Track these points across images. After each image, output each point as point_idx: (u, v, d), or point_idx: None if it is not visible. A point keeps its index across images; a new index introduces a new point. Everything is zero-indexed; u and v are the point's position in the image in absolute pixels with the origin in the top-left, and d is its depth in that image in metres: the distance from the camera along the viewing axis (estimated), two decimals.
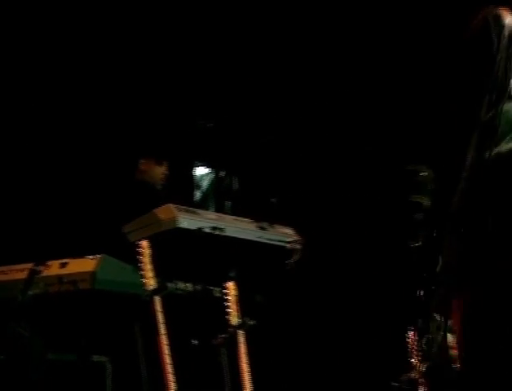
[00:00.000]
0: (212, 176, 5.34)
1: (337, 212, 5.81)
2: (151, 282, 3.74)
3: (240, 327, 4.02)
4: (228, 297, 4.02)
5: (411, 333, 4.31)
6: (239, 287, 4.04)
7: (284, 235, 4.95)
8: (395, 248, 4.90)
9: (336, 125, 5.92)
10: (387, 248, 5.35)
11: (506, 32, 2.72)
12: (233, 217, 4.88)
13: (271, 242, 4.83)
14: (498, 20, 2.75)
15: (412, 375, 4.19)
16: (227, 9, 5.96)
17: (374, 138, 5.83)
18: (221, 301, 4.04)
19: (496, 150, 2.69)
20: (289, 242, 4.95)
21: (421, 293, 4.19)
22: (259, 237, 4.77)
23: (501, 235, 2.70)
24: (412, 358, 4.23)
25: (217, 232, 4.56)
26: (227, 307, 4.02)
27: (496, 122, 2.71)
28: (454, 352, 4.34)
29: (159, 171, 5.18)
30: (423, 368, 4.19)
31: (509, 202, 2.70)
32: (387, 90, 5.85)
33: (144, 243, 3.80)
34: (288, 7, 5.94)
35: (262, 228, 4.83)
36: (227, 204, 5.17)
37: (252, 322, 4.10)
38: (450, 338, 4.34)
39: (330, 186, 5.85)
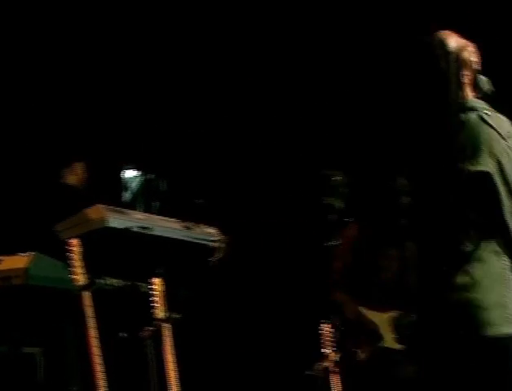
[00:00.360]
0: (141, 178, 5.35)
1: (259, 213, 5.87)
2: (80, 278, 3.78)
3: (165, 320, 4.05)
4: (155, 292, 4.06)
5: (325, 325, 4.45)
6: (165, 282, 4.09)
7: (208, 234, 4.99)
8: (310, 247, 5.11)
9: (259, 131, 5.98)
10: (303, 247, 5.47)
11: (452, 58, 2.84)
12: (160, 217, 4.92)
13: (196, 240, 4.88)
14: (443, 46, 2.86)
15: (326, 364, 4.38)
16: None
17: (292, 145, 5.90)
18: (148, 296, 4.06)
19: (465, 167, 2.77)
20: (212, 241, 5.00)
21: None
22: (185, 236, 4.82)
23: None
24: (326, 348, 4.41)
25: (144, 231, 4.59)
26: (154, 302, 4.06)
27: (456, 135, 2.80)
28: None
29: (80, 173, 5.27)
30: (336, 358, 4.38)
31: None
32: (308, 99, 5.95)
33: (75, 241, 3.86)
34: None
35: (187, 228, 4.86)
36: (155, 204, 5.20)
37: (177, 316, 4.15)
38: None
39: (252, 190, 5.91)
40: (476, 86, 2.91)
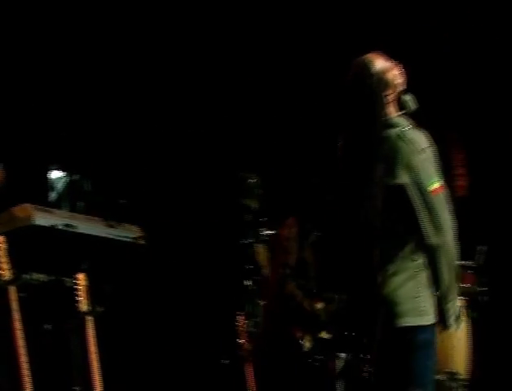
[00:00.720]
0: (66, 179, 5.35)
1: (179, 212, 5.87)
2: (6, 273, 3.82)
3: (89, 313, 4.11)
4: (79, 287, 4.11)
5: (240, 317, 4.54)
6: (89, 277, 4.14)
7: (130, 231, 5.16)
8: (227, 244, 5.16)
9: (179, 135, 5.96)
10: (221, 244, 5.51)
11: (376, 79, 3.01)
12: (85, 215, 5.06)
13: (119, 238, 5.05)
14: (369, 68, 3.03)
15: (240, 353, 4.46)
16: None
17: (211, 149, 5.93)
18: (72, 290, 4.11)
19: (385, 180, 2.94)
20: (134, 238, 5.17)
21: (249, 283, 4.66)
22: (108, 233, 4.98)
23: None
24: (241, 338, 4.50)
25: (69, 229, 4.74)
26: (78, 295, 4.11)
27: (380, 149, 2.96)
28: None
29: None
30: (250, 347, 4.47)
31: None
32: (225, 105, 5.96)
33: (0, 238, 3.89)
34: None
35: (110, 226, 5.03)
36: (80, 204, 5.29)
37: (100, 309, 4.21)
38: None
39: (173, 191, 5.90)
40: (401, 104, 3.07)
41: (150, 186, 5.89)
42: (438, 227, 2.94)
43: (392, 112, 3.02)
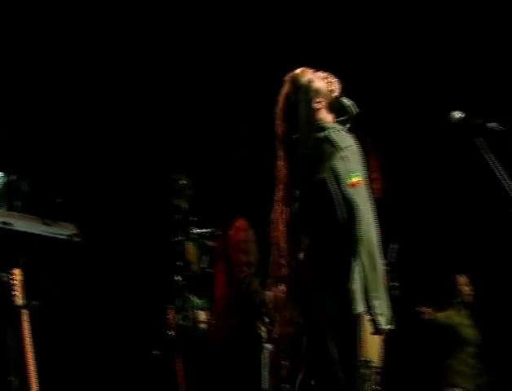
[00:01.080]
0: (3, 179, 5.36)
1: (113, 212, 5.91)
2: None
3: (24, 307, 4.09)
4: (15, 281, 4.11)
5: (170, 311, 4.69)
6: (24, 272, 4.12)
7: (65, 229, 5.25)
8: (159, 242, 5.21)
9: (114, 138, 6.01)
10: (153, 242, 5.57)
11: (303, 90, 3.25)
12: (22, 214, 5.13)
13: (54, 235, 5.15)
14: (297, 80, 3.28)
15: (170, 345, 4.61)
16: None
17: (144, 151, 6.01)
18: (8, 285, 4.09)
19: (313, 178, 3.08)
20: (69, 235, 5.26)
21: (179, 278, 4.78)
22: (44, 231, 5.08)
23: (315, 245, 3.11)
24: (171, 330, 4.64)
25: (6, 226, 4.84)
26: (14, 290, 4.09)
27: (308, 151, 3.14)
28: (203, 326, 4.98)
29: None
30: (178, 339, 4.60)
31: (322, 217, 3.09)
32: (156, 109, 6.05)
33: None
34: None
35: (46, 224, 5.12)
36: (17, 203, 5.31)
37: (35, 303, 4.21)
38: (201, 315, 4.99)
39: (109, 192, 5.94)
40: (343, 109, 3.31)
41: (85, 187, 5.90)
42: (356, 219, 3.04)
43: (325, 116, 3.25)
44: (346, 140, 3.17)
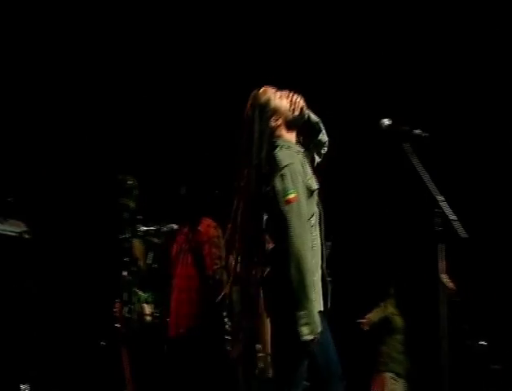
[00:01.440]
0: None
1: (63, 209, 6.00)
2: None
3: None
4: None
5: (117, 304, 4.81)
6: None
7: (15, 226, 5.33)
8: (107, 239, 5.24)
9: (65, 140, 6.08)
10: (101, 239, 5.63)
11: (261, 108, 3.33)
12: None
13: (4, 232, 5.25)
14: (256, 99, 3.37)
15: (117, 337, 4.72)
16: None
17: (94, 153, 6.10)
18: None
19: (264, 188, 3.20)
20: (19, 232, 5.33)
21: (126, 273, 4.85)
22: None
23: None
24: (118, 323, 4.76)
25: None
26: None
27: (264, 164, 3.24)
28: (148, 318, 5.10)
29: None
30: (124, 331, 4.70)
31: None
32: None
33: None
34: None
35: None
36: None
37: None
38: (146, 308, 5.12)
39: (58, 190, 6.02)
40: (311, 127, 3.42)
41: (36, 185, 5.94)
42: (288, 235, 3.13)
43: (283, 134, 3.36)
44: (287, 158, 3.27)
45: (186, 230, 5.12)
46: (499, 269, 6.52)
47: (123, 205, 4.92)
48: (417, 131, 3.44)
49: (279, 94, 3.40)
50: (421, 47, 6.02)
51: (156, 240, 5.09)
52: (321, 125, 3.49)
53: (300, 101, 3.41)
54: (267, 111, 3.34)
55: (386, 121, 3.50)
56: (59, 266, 5.87)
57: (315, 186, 3.33)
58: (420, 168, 3.35)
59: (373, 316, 5.98)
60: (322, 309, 3.27)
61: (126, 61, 6.13)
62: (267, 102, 3.36)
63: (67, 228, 5.94)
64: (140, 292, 5.02)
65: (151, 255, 5.11)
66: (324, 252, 3.38)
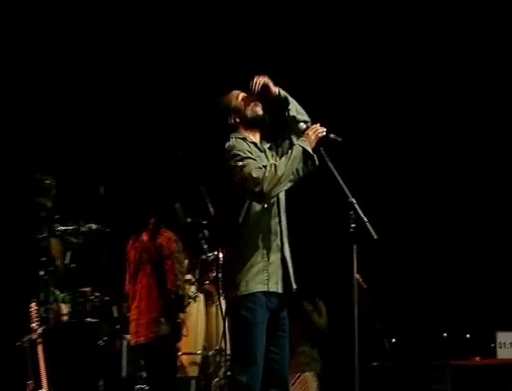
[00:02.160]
0: None
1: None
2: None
3: None
4: None
5: (33, 303, 4.67)
6: None
7: None
8: (24, 238, 5.21)
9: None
10: (18, 238, 5.52)
11: (224, 108, 3.62)
12: None
13: None
14: (222, 100, 3.66)
15: (33, 336, 4.61)
16: None
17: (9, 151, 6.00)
18: None
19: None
20: None
21: (43, 273, 4.80)
22: None
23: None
24: (33, 323, 4.64)
25: None
26: None
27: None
28: (65, 318, 5.06)
29: None
30: (41, 330, 4.61)
31: None
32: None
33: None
34: None
35: None
36: None
37: None
38: (63, 307, 5.07)
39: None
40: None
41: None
42: (239, 171, 3.40)
43: (241, 131, 3.62)
44: (235, 143, 3.54)
45: (145, 238, 5.35)
46: (409, 269, 6.69)
47: (40, 204, 4.88)
48: (332, 135, 3.51)
49: (241, 95, 3.66)
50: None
51: (74, 240, 5.07)
52: (290, 99, 3.64)
53: (261, 79, 3.58)
54: (228, 111, 3.64)
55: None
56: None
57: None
58: (333, 169, 3.43)
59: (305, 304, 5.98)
60: (280, 291, 3.50)
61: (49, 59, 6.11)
62: (228, 103, 3.66)
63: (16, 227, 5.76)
64: (57, 292, 4.99)
65: (69, 254, 5.09)
66: (284, 237, 3.58)
